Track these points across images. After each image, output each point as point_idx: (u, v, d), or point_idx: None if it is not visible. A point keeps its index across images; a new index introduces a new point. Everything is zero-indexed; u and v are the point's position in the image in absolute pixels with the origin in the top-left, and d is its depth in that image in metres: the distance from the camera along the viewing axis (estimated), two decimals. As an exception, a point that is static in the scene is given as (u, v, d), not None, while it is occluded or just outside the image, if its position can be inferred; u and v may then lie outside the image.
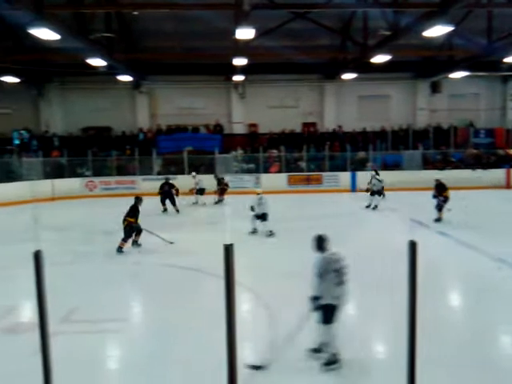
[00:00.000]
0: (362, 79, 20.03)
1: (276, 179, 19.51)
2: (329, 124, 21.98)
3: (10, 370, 5.21)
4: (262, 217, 11.12)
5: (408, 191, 17.67)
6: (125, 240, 9.96)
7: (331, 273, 4.55)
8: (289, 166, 20.21)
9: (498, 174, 19.35)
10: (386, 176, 18.97)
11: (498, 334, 5.96)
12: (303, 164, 20.33)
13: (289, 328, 4.98)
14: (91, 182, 19.17)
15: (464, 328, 6.13)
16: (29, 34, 11.19)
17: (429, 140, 21.12)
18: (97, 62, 14.95)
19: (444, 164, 19.79)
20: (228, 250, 2.23)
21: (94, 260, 9.78)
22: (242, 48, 14.21)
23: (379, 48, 14.91)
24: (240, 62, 15.81)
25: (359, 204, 15.38)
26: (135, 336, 6.23)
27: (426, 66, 20.42)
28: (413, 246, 2.34)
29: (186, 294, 7.65)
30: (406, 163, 20.15)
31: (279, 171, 20.05)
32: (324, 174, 19.78)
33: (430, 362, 4.45)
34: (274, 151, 20.60)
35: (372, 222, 12.86)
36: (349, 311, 5.70)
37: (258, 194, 11.54)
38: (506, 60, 16.40)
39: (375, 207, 14.43)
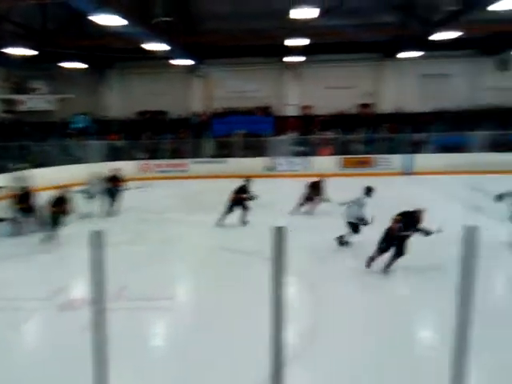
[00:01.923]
0: (424, 58, 19.07)
1: (328, 162, 19.14)
2: (387, 104, 21.21)
3: (66, 344, 5.45)
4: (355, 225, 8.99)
5: (466, 174, 16.71)
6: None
7: None
8: (343, 148, 19.78)
9: None
10: (440, 159, 18.17)
11: None
12: (358, 146, 19.83)
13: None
14: (146, 164, 19.64)
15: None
16: (91, 20, 11.45)
17: (494, 121, 19.89)
18: (157, 46, 15.11)
19: (507, 147, 18.60)
20: (279, 232, 2.13)
21: (148, 240, 10.06)
22: (300, 28, 13.84)
23: (443, 24, 14.07)
24: (297, 42, 15.43)
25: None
26: (184, 313, 6.40)
27: (492, 42, 19.15)
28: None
29: (237, 275, 7.72)
30: (463, 146, 19.11)
31: (332, 154, 19.66)
32: (378, 156, 19.21)
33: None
34: (328, 133, 20.22)
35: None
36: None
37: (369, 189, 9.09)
38: None
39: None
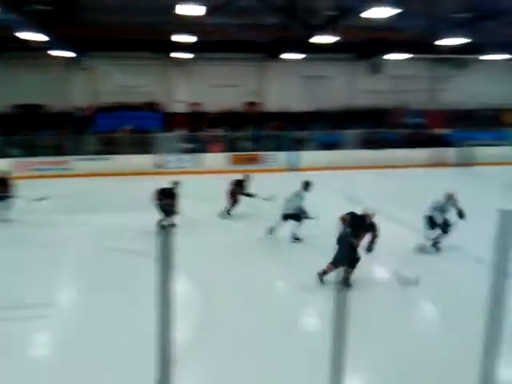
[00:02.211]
0: (306, 59, 20.08)
1: (218, 159, 19.32)
2: (272, 103, 21.95)
3: None
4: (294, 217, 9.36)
5: (343, 170, 18.13)
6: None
7: None
8: (231, 146, 20.08)
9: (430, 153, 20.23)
10: (324, 156, 19.44)
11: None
12: (246, 143, 20.27)
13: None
14: (20, 162, 18.01)
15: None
16: None
17: (368, 120, 21.66)
18: (32, 36, 13.92)
19: (382, 144, 20.39)
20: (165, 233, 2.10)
21: (25, 244, 9.31)
22: (186, 24, 13.74)
23: (322, 28, 14.92)
24: (184, 39, 15.30)
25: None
26: (63, 321, 6.06)
27: (367, 47, 20.75)
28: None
29: (124, 276, 7.47)
30: (343, 143, 20.61)
31: (222, 151, 19.86)
32: (266, 153, 19.81)
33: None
34: (217, 130, 20.38)
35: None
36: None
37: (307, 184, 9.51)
38: (442, 43, 16.95)
39: None
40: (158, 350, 2.15)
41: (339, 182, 15.80)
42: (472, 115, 22.62)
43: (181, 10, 11.17)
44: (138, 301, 6.24)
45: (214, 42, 18.79)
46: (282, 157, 19.76)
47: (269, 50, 20.79)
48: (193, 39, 15.27)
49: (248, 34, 17.23)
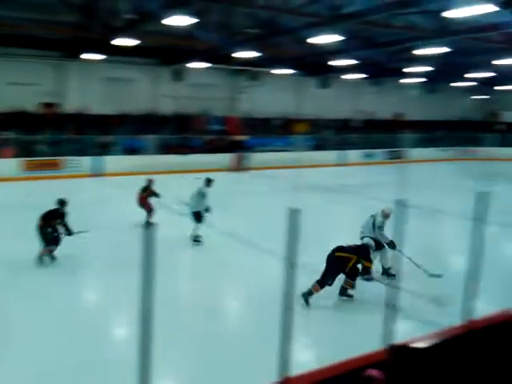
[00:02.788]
0: (108, 61, 19.42)
1: (7, 165, 17.11)
2: (73, 105, 20.56)
3: None
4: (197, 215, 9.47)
5: (148, 175, 18.06)
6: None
7: None
8: (25, 150, 18.14)
9: (230, 158, 21.55)
10: (129, 160, 19.11)
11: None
12: (43, 147, 18.59)
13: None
14: None
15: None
16: None
17: (171, 126, 22.03)
18: None
19: (186, 149, 20.93)
20: None
21: None
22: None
23: (124, 31, 14.66)
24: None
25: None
26: None
27: (170, 53, 21.09)
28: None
29: None
30: (147, 148, 20.62)
31: (13, 156, 17.76)
32: (66, 158, 18.46)
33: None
34: (6, 133, 18.18)
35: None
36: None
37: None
38: (236, 55, 18.28)
39: None
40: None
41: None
42: (266, 123, 24.98)
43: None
44: None
45: (2, 36, 16.85)
46: (85, 162, 18.65)
47: (66, 49, 19.43)
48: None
49: (42, 31, 15.93)
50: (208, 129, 23.18)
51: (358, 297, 6.98)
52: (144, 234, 1.98)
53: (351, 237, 7.53)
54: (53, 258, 8.10)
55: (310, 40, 14.44)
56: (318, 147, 25.00)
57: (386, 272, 7.45)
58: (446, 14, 11.10)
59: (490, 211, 3.16)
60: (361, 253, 6.78)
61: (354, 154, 24.95)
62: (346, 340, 5.63)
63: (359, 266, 6.83)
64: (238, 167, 20.77)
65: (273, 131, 25.14)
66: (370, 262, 6.92)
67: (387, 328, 2.93)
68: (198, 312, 6.61)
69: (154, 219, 10.19)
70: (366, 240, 7.29)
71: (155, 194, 10.93)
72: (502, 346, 3.33)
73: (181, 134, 21.88)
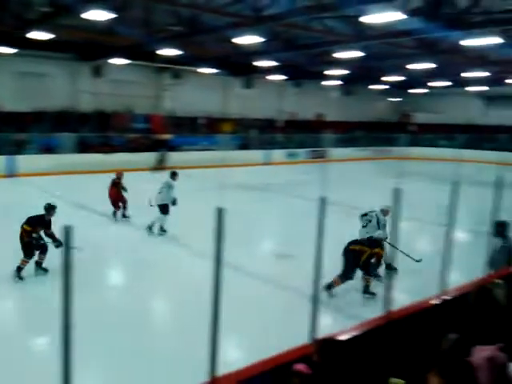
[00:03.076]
0: (21, 55, 18.27)
1: None
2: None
3: None
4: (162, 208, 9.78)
5: (66, 175, 17.34)
6: None
7: None
8: None
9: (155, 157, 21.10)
10: (45, 160, 18.13)
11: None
12: None
13: None
14: None
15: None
16: None
17: (92, 124, 21.15)
18: None
19: (108, 148, 20.16)
20: None
21: None
22: None
23: (38, 24, 13.85)
24: None
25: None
26: None
27: (88, 49, 20.21)
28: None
29: None
30: (64, 147, 19.67)
31: None
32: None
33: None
34: None
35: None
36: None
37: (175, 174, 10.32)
38: (160, 52, 17.94)
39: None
40: None
41: (62, 187, 14.98)
42: (191, 122, 24.76)
43: None
44: None
45: None
46: (-4, 161, 17.39)
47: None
48: None
49: None
50: (131, 127, 22.53)
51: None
52: (64, 235, 1.92)
53: (277, 234, 7.69)
54: (46, 271, 7.32)
55: (234, 40, 14.55)
56: (244, 146, 25.24)
57: (389, 266, 7.62)
58: (362, 19, 11.63)
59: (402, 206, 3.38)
60: (373, 245, 7.05)
61: (278, 154, 25.47)
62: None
63: (372, 260, 7.14)
64: (161, 166, 20.36)
65: (198, 130, 25.00)
66: (383, 249, 7.24)
67: (313, 322, 3.05)
68: (124, 314, 6.42)
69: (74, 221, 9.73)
70: (377, 234, 7.35)
71: (123, 188, 11.18)
72: (416, 333, 3.59)
73: (101, 132, 21.07)
